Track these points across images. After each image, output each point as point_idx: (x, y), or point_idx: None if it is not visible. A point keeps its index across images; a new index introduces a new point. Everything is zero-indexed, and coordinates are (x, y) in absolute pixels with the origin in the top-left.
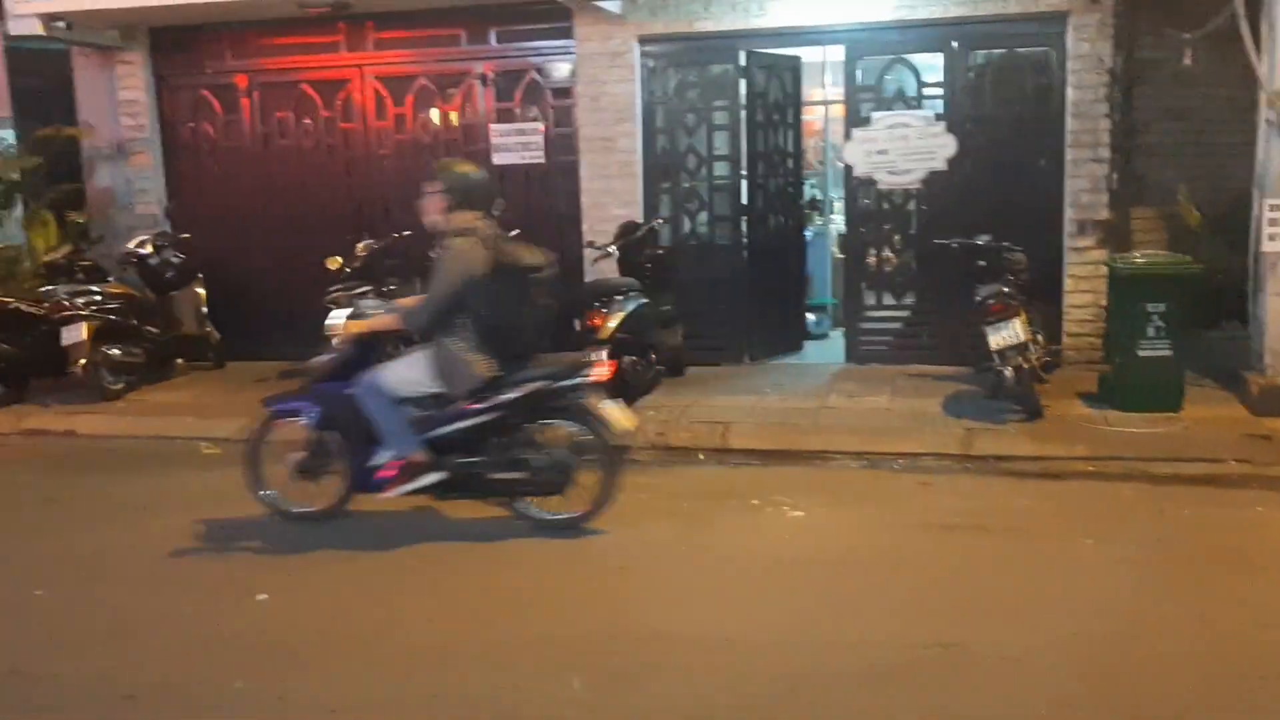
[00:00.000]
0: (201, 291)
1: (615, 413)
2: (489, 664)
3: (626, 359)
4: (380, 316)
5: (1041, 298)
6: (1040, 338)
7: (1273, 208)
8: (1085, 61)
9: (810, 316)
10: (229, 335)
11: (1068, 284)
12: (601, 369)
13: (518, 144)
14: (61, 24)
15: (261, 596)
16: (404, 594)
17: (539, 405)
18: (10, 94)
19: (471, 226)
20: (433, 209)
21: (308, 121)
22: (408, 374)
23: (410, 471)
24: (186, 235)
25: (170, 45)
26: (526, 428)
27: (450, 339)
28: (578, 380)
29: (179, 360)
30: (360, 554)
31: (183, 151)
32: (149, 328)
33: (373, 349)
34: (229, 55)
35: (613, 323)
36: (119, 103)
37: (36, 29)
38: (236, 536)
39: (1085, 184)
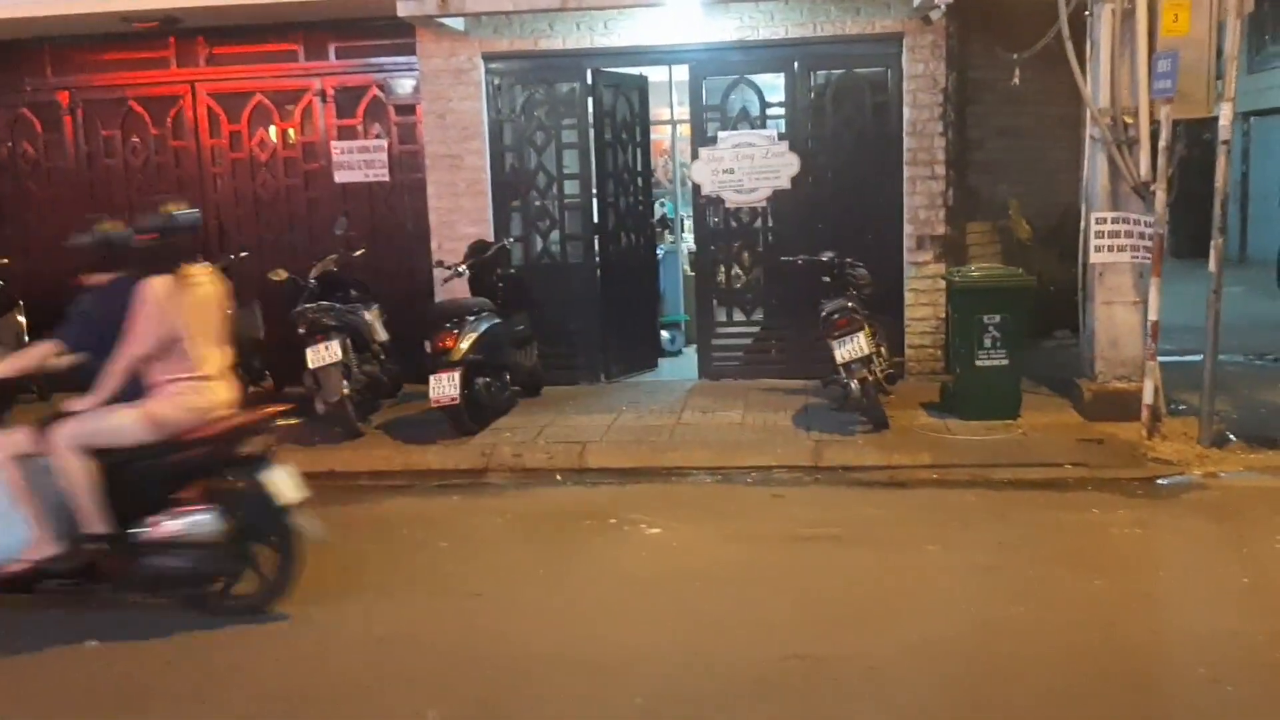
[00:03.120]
0: (22, 319)
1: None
2: (340, 703)
3: (480, 380)
4: None
5: (884, 311)
6: (884, 350)
7: (1098, 220)
8: (920, 81)
9: (664, 334)
10: None
11: (908, 297)
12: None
13: (361, 161)
14: None
15: (92, 643)
16: (244, 635)
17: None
18: None
19: None
20: None
21: (136, 140)
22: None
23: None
24: (4, 260)
25: None
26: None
27: None
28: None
29: None
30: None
31: (0, 173)
32: None
33: None
34: (50, 71)
35: (465, 344)
36: None
37: None
38: None
39: (923, 200)
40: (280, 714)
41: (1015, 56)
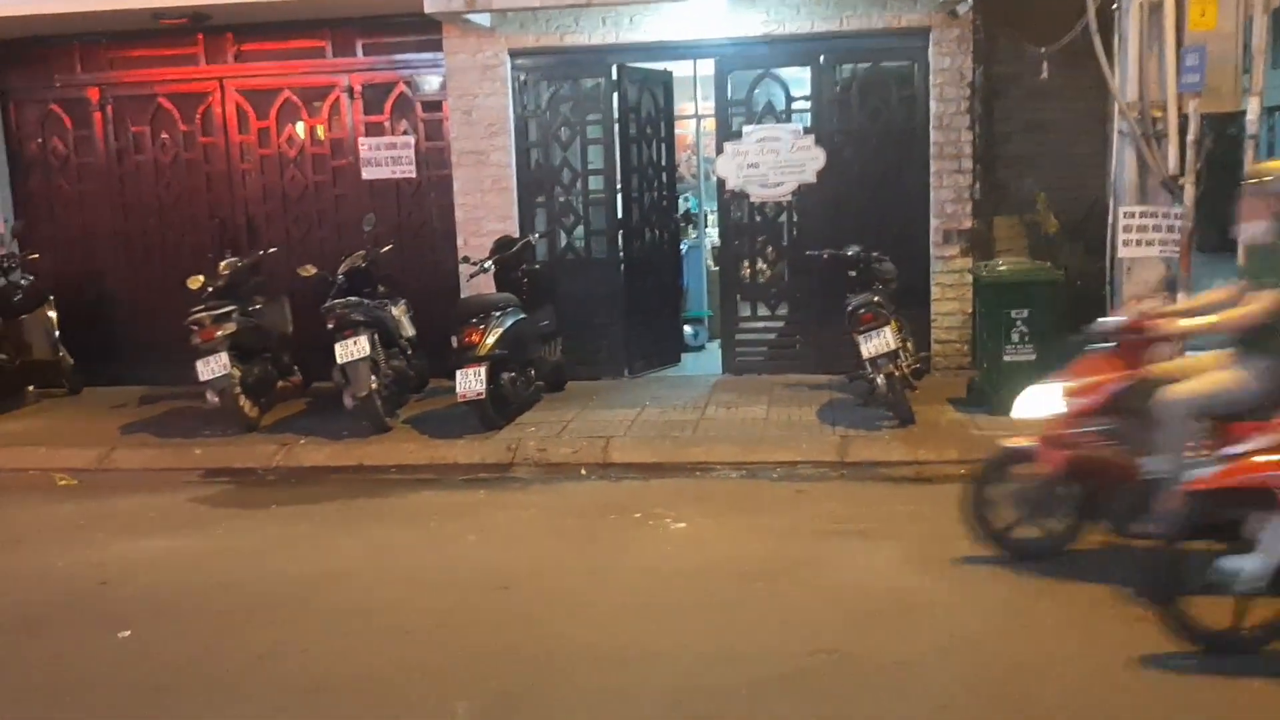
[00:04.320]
0: (53, 315)
1: None
2: (368, 695)
3: (505, 375)
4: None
5: (910, 306)
6: (910, 345)
7: (1127, 215)
8: (947, 75)
9: (688, 329)
10: (84, 360)
11: (935, 292)
12: None
13: (388, 158)
14: None
15: (124, 633)
16: (275, 626)
17: None
18: None
19: None
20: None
21: (165, 136)
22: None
23: None
24: (35, 255)
25: (16, 58)
26: None
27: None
28: None
29: (30, 388)
30: (228, 592)
31: (31, 168)
32: None
33: None
34: (80, 68)
35: (490, 339)
36: None
37: None
38: (98, 571)
39: (949, 194)
40: (308, 705)
41: (1042, 50)
